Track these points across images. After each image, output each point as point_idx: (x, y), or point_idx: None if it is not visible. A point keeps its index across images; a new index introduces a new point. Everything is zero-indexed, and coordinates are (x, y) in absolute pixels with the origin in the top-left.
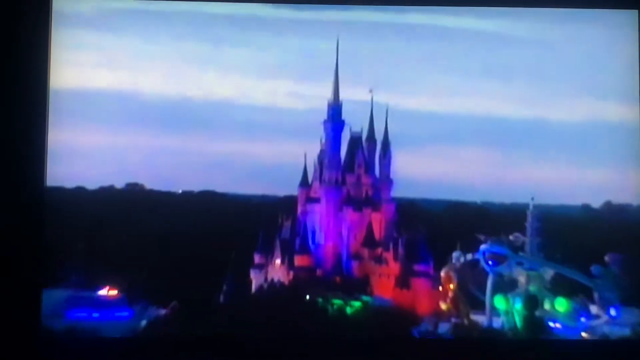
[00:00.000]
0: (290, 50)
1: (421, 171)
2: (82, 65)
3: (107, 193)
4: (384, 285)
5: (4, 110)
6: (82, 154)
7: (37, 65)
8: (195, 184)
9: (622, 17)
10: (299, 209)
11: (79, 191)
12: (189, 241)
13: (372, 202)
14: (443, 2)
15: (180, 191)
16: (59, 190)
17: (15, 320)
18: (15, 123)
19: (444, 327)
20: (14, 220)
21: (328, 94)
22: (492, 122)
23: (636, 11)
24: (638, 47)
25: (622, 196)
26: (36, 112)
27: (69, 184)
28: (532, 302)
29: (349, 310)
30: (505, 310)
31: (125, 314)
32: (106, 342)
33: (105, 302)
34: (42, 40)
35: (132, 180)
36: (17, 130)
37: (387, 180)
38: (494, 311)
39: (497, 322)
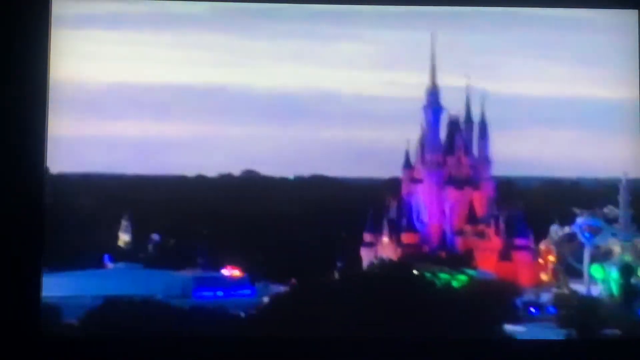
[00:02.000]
0: (390, 42)
1: (517, 151)
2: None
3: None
4: (487, 259)
5: (4, 100)
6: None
7: (37, 56)
8: (306, 169)
9: (622, 17)
10: (404, 190)
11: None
12: (304, 223)
13: (472, 181)
14: None
15: (292, 177)
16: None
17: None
18: (15, 112)
19: (545, 297)
20: (14, 206)
21: (426, 81)
22: (581, 103)
23: (636, 11)
24: (638, 47)
25: None
26: (36, 101)
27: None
28: (628, 271)
29: (455, 283)
30: (602, 279)
31: (248, 291)
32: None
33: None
34: (42, 31)
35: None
36: (18, 120)
37: (485, 161)
38: (592, 280)
39: (595, 291)
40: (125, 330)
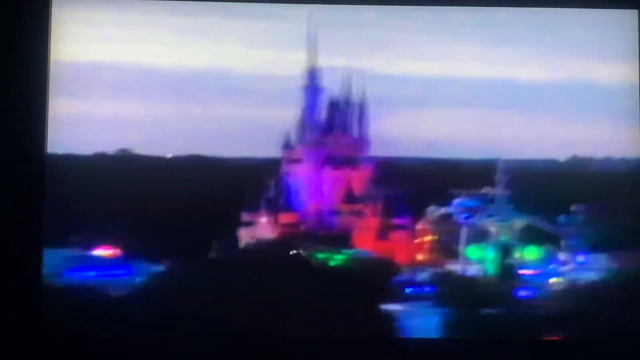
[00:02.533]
0: (271, 18)
1: (397, 132)
2: (82, 37)
3: (102, 159)
4: (364, 238)
5: (5, 81)
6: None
7: (38, 37)
8: (185, 149)
9: (622, 17)
10: (283, 170)
11: (78, 157)
12: (181, 203)
13: (351, 161)
14: None
15: (169, 155)
16: (60, 157)
17: (16, 279)
18: (16, 92)
19: (422, 276)
20: (15, 183)
21: (306, 61)
22: (462, 84)
23: (636, 11)
24: (638, 47)
25: (585, 150)
26: (37, 81)
27: (69, 150)
28: (504, 251)
29: (332, 262)
30: (478, 259)
31: (123, 271)
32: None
33: (104, 261)
34: (43, 13)
35: (126, 146)
36: (19, 100)
37: (364, 141)
38: (469, 260)
39: (471, 271)
40: (124, 330)
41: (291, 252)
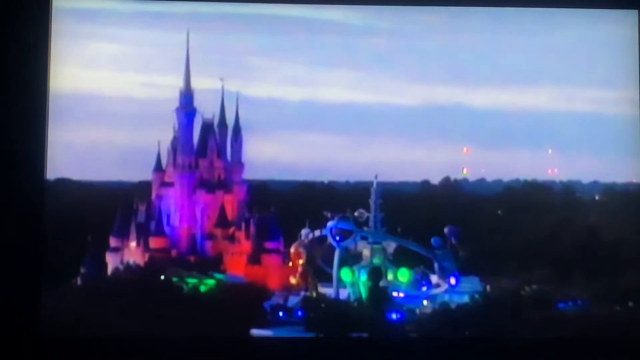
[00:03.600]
0: (143, 43)
1: (271, 155)
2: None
3: None
4: (237, 262)
5: (5, 108)
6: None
7: (37, 65)
8: (52, 172)
9: (622, 17)
10: (154, 193)
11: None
12: (48, 226)
13: (225, 184)
14: None
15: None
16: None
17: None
18: (15, 120)
19: (294, 300)
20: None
21: (180, 83)
22: (337, 108)
23: (636, 11)
24: (638, 47)
25: (457, 173)
26: (36, 109)
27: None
28: (376, 274)
29: (203, 288)
30: (351, 282)
31: None
32: None
33: None
34: (42, 40)
35: None
36: (18, 128)
37: (238, 164)
38: (341, 283)
39: (344, 294)
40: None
41: (161, 278)
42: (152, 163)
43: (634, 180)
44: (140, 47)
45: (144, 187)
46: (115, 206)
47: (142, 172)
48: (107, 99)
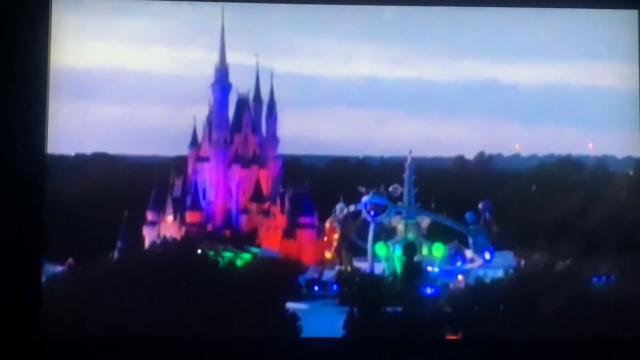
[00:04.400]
0: (180, 18)
1: (305, 130)
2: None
3: None
4: (272, 237)
5: (6, 84)
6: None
7: (38, 40)
8: (89, 147)
9: (622, 17)
10: (190, 168)
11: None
12: (86, 200)
13: (259, 159)
14: None
15: (73, 154)
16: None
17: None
18: (17, 96)
19: (328, 274)
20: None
21: (216, 58)
22: (372, 83)
23: (636, 11)
24: (638, 47)
25: (492, 148)
26: (37, 84)
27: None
28: (411, 249)
29: (239, 262)
30: (386, 256)
31: None
32: None
33: None
34: (43, 17)
35: None
36: (19, 102)
37: (273, 139)
38: (376, 258)
39: (379, 268)
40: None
41: (197, 252)
42: (188, 138)
43: None
44: (174, 21)
45: (180, 162)
46: (152, 181)
47: (178, 147)
48: (144, 74)
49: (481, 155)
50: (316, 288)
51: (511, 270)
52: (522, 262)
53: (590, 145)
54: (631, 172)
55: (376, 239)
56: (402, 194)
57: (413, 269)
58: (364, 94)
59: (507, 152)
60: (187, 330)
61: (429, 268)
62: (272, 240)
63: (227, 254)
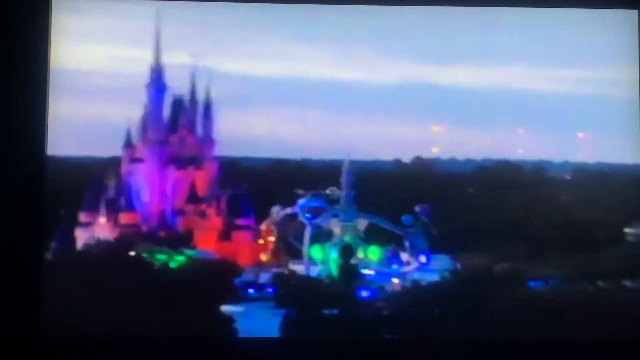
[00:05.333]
0: (115, 16)
1: (243, 131)
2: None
3: None
4: (207, 238)
5: (6, 84)
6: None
7: (38, 40)
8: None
9: (622, 17)
10: (123, 169)
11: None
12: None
13: (196, 160)
14: None
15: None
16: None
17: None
18: (17, 96)
19: (265, 277)
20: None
21: (150, 58)
22: (310, 84)
23: (636, 11)
24: (638, 47)
25: (428, 151)
26: (37, 85)
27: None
28: (347, 251)
29: (173, 264)
30: (322, 259)
31: None
32: None
33: None
34: (43, 17)
35: None
36: (19, 103)
37: (209, 140)
38: (312, 261)
39: (315, 271)
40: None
41: (131, 253)
42: (122, 139)
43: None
44: (110, 20)
45: (114, 163)
46: (85, 182)
47: (111, 148)
48: (78, 72)
49: (419, 158)
50: (252, 290)
51: (447, 273)
52: (459, 265)
53: (526, 150)
54: (568, 177)
55: (313, 241)
56: (339, 196)
57: (349, 272)
58: (303, 95)
59: (444, 155)
60: (121, 332)
61: (365, 271)
62: (208, 241)
63: (161, 256)
